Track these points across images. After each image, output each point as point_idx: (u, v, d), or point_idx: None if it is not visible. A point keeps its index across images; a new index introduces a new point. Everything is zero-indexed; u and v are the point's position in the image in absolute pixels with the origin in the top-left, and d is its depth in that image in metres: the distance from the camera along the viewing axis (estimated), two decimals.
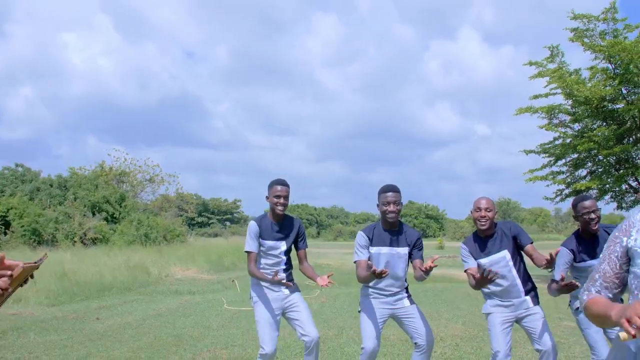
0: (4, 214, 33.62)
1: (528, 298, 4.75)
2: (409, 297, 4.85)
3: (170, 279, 18.00)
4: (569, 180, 18.65)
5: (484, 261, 4.74)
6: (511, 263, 4.75)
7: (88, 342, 7.78)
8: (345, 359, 6.63)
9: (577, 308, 4.84)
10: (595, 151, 17.18)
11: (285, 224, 5.05)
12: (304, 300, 5.01)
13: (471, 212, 4.84)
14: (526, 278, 4.81)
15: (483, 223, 4.72)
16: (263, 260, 4.97)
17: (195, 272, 20.38)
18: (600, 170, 18.31)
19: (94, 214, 37.53)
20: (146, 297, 13.56)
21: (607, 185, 17.66)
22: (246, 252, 4.89)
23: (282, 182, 4.95)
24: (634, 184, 17.77)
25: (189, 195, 56.75)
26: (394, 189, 4.69)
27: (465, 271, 4.72)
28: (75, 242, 32.39)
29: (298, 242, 5.09)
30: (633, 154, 17.40)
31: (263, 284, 4.91)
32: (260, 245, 4.92)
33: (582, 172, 18.85)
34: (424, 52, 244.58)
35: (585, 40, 16.66)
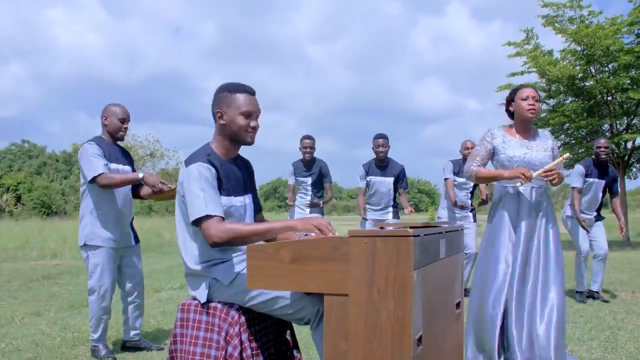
0: (15, 187, 35.16)
1: (470, 215, 6.81)
2: (394, 213, 6.91)
3: None
4: None
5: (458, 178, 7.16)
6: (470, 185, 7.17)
7: None
8: None
9: (568, 216, 6.91)
10: (567, 125, 18.99)
11: (311, 166, 7.34)
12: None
13: (460, 150, 7.26)
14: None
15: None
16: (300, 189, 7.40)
17: None
18: (572, 141, 20.11)
19: None
20: (165, 255, 15.19)
21: (579, 155, 19.45)
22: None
23: (308, 137, 7.23)
24: None
25: None
26: (383, 136, 6.85)
27: (446, 179, 7.18)
28: None
29: (324, 178, 7.37)
30: (601, 126, 19.19)
31: (298, 205, 7.35)
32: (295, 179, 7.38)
33: (557, 143, 20.64)
34: (413, 27, 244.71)
35: (556, 25, 18.38)
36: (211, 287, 2.56)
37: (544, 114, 19.82)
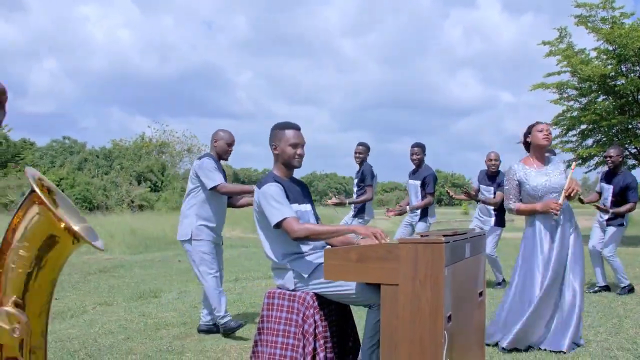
0: (57, 183, 36.35)
1: (492, 219, 7.57)
2: (421, 216, 7.62)
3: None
4: (576, 149, 20.85)
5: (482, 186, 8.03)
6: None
7: (181, 274, 9.79)
8: None
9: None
10: (599, 122, 19.36)
11: (361, 170, 8.14)
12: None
13: (485, 161, 7.98)
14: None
15: (494, 168, 7.92)
16: None
17: (240, 232, 22.91)
18: (604, 139, 20.48)
19: (139, 183, 40.22)
20: None
21: None
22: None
23: (360, 144, 8.09)
24: (633, 150, 19.98)
25: (227, 166, 59.16)
26: (415, 145, 7.75)
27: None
28: (123, 208, 34.97)
29: (364, 180, 8.06)
30: (632, 124, 19.55)
31: None
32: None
33: (589, 141, 21.03)
34: (444, 20, 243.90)
35: (589, 24, 18.78)
36: (294, 277, 3.38)
37: (576, 112, 20.23)
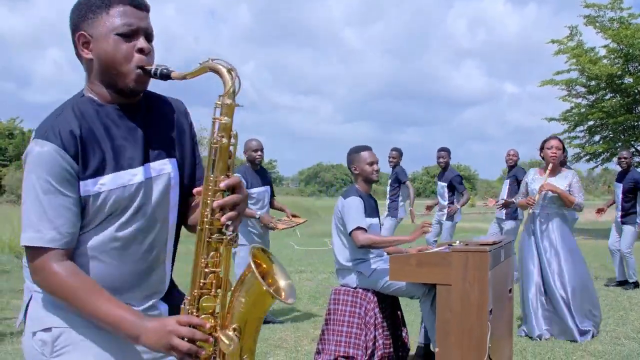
0: None
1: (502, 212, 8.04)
2: (447, 215, 8.38)
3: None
4: (583, 144, 21.41)
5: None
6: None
7: None
8: None
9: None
10: (606, 120, 19.89)
11: (394, 172, 8.92)
12: None
13: (505, 157, 8.54)
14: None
15: (511, 163, 8.48)
16: None
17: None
18: (611, 135, 21.02)
19: None
20: None
21: (617, 149, 20.37)
22: None
23: (393, 149, 8.87)
24: None
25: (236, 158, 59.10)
26: (441, 149, 8.50)
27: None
28: None
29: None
30: (639, 122, 20.08)
31: None
32: None
33: (597, 137, 21.57)
34: (448, 10, 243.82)
35: (597, 24, 19.26)
36: (357, 277, 4.01)
37: (583, 110, 20.74)
